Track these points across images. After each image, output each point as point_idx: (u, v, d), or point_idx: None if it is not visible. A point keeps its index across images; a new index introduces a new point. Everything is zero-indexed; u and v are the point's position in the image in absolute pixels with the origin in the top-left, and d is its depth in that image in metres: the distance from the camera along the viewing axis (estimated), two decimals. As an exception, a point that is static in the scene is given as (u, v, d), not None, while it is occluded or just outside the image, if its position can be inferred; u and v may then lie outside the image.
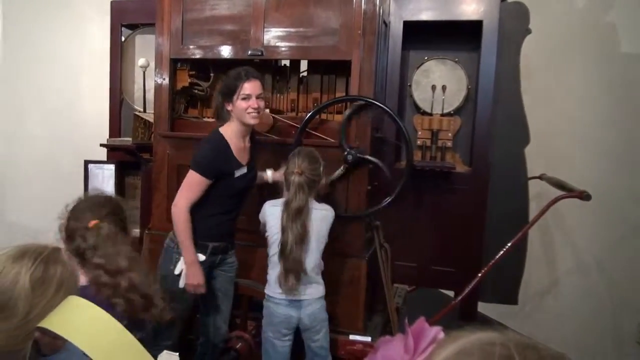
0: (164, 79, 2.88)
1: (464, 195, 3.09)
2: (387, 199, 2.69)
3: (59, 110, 4.32)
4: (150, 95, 3.20)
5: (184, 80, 2.96)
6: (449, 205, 3.12)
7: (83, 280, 1.55)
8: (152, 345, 2.32)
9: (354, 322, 2.70)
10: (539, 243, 3.67)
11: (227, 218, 2.47)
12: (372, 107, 2.66)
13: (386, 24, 3.00)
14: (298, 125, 2.69)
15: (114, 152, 3.53)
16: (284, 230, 2.31)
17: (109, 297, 1.55)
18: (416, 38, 3.14)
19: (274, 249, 2.38)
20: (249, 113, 2.35)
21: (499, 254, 2.83)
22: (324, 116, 2.80)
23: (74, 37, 4.35)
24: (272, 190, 2.60)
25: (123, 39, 3.63)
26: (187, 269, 2.37)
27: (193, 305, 2.55)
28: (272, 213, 2.40)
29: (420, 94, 3.23)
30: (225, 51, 2.78)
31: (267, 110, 2.91)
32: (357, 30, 2.58)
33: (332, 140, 2.69)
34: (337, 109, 2.82)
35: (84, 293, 1.17)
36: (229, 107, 2.39)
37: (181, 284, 2.40)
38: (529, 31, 3.52)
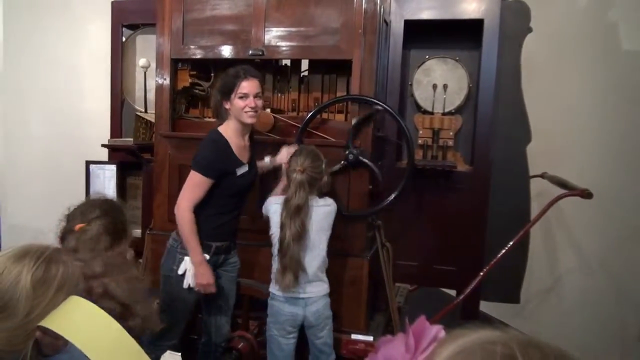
0: (164, 79, 2.88)
1: (465, 194, 3.09)
2: (388, 198, 2.69)
3: (60, 110, 4.32)
4: (152, 96, 3.19)
5: (185, 80, 2.96)
6: (451, 204, 3.12)
7: None
8: (155, 345, 2.34)
9: (356, 322, 2.70)
10: (541, 242, 3.66)
11: (230, 217, 2.47)
12: (382, 111, 2.66)
13: (387, 23, 3.00)
14: (299, 125, 2.69)
15: (116, 153, 3.53)
16: (282, 227, 2.32)
17: None
18: (417, 37, 3.14)
19: (276, 246, 2.38)
20: (246, 112, 2.35)
21: (501, 253, 2.83)
22: (324, 115, 2.80)
23: (75, 37, 4.35)
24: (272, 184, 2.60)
25: (124, 39, 3.63)
26: (195, 269, 2.37)
27: (195, 305, 2.55)
28: (275, 211, 2.40)
29: (422, 93, 3.22)
30: (226, 51, 2.78)
31: (268, 110, 2.91)
32: (357, 29, 2.58)
33: (333, 140, 2.69)
34: (338, 109, 2.82)
35: None
36: (227, 106, 2.39)
37: (185, 284, 2.40)
38: (530, 30, 3.51)
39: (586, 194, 2.74)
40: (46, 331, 1.09)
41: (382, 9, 2.76)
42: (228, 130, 2.41)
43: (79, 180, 3.51)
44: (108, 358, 0.97)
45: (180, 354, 1.95)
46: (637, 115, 3.18)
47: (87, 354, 0.95)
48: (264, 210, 2.49)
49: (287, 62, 3.01)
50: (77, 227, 1.68)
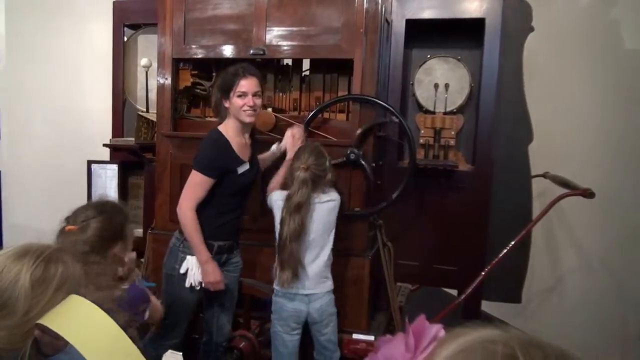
0: (166, 79, 2.88)
1: (467, 194, 3.08)
2: (390, 198, 2.69)
3: (62, 110, 4.33)
4: (153, 95, 3.20)
5: (187, 79, 2.96)
6: (452, 204, 3.11)
7: None
8: (157, 344, 2.34)
9: (357, 321, 2.70)
10: (543, 241, 3.66)
11: (232, 217, 2.47)
12: (384, 113, 2.66)
13: (388, 22, 3.00)
14: (300, 125, 2.69)
15: (117, 152, 3.53)
16: (282, 223, 2.33)
17: None
18: (418, 36, 3.13)
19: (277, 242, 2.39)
20: (244, 111, 2.34)
21: (503, 252, 2.82)
22: (326, 115, 2.80)
23: (77, 37, 4.35)
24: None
25: (125, 39, 3.64)
26: (202, 268, 2.37)
27: (197, 305, 2.56)
28: (278, 206, 2.40)
29: (423, 92, 3.22)
30: (228, 50, 2.78)
31: (270, 110, 2.91)
32: (359, 28, 2.58)
33: (334, 139, 2.69)
34: (340, 108, 2.82)
35: None
36: (227, 104, 2.39)
37: (187, 283, 2.40)
38: (532, 28, 3.50)
39: (588, 194, 2.73)
40: (45, 330, 1.09)
41: (383, 8, 2.76)
42: (228, 129, 2.41)
43: (81, 179, 3.51)
44: (104, 357, 0.97)
45: (181, 353, 1.95)
46: (639, 115, 3.17)
47: (83, 353, 0.95)
48: (268, 203, 2.49)
49: (289, 61, 3.01)
50: (67, 228, 1.68)
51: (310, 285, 2.38)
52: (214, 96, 2.48)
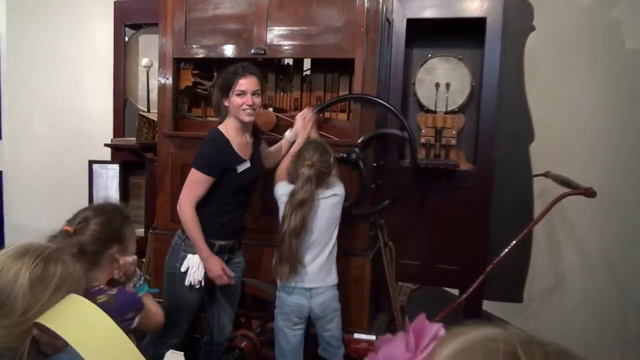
0: (167, 79, 2.89)
1: (468, 193, 3.08)
2: (391, 197, 2.69)
3: (63, 110, 4.33)
4: (154, 95, 3.20)
5: (188, 79, 2.97)
6: (453, 203, 3.11)
7: None
8: (158, 342, 2.34)
9: (358, 321, 2.70)
10: (544, 241, 3.65)
11: (234, 216, 2.47)
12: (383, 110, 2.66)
13: (389, 22, 2.99)
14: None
15: (118, 152, 3.53)
16: (284, 218, 2.33)
17: None
18: (419, 35, 3.13)
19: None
20: (243, 110, 2.34)
21: (504, 252, 2.82)
22: (327, 114, 2.80)
23: (78, 37, 4.35)
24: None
25: (126, 38, 3.64)
26: (204, 264, 2.38)
27: (198, 304, 2.56)
28: (283, 201, 2.40)
29: (424, 91, 3.22)
30: (229, 50, 2.78)
31: (271, 109, 2.91)
32: (360, 28, 2.58)
33: (336, 139, 2.69)
34: (341, 108, 2.82)
35: None
36: (226, 103, 2.39)
37: (186, 281, 2.41)
38: (533, 28, 3.50)
39: (590, 193, 2.73)
40: (44, 329, 1.09)
41: (384, 8, 2.76)
42: (228, 128, 2.41)
43: (82, 179, 3.51)
44: (100, 355, 0.97)
45: (182, 353, 1.95)
46: (639, 115, 3.17)
47: (81, 352, 0.95)
48: (274, 193, 2.48)
49: (290, 61, 3.01)
50: (64, 229, 1.68)
51: (311, 279, 2.38)
52: (215, 95, 2.49)
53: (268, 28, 2.70)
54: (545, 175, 3.29)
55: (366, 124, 2.67)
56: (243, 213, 2.54)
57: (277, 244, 2.36)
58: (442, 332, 0.77)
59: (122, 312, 1.60)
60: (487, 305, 3.33)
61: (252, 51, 2.72)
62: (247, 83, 2.33)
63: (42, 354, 1.17)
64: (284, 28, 2.69)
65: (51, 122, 4.33)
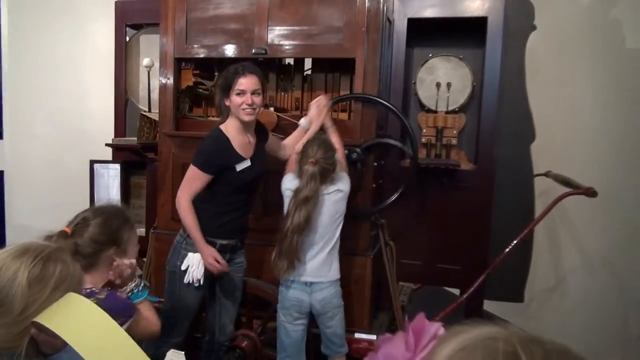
0: (168, 79, 2.89)
1: (469, 193, 3.08)
2: (392, 197, 2.69)
3: (64, 110, 4.34)
4: (155, 95, 3.20)
5: (189, 79, 2.97)
6: (454, 203, 3.11)
7: None
8: (159, 341, 2.34)
9: (359, 320, 2.71)
10: (545, 240, 3.65)
11: (236, 215, 2.47)
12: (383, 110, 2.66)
13: (390, 22, 2.99)
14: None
15: (120, 152, 3.53)
16: (287, 214, 2.32)
17: None
18: (420, 35, 3.13)
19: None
20: (243, 109, 2.34)
21: (505, 252, 2.82)
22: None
23: (79, 37, 4.36)
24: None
25: (127, 38, 3.64)
26: (200, 253, 2.38)
27: (199, 303, 2.56)
28: (288, 195, 2.40)
29: (425, 91, 3.21)
30: (229, 50, 2.79)
31: (272, 109, 2.91)
32: (361, 28, 2.58)
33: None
34: (342, 107, 2.82)
35: None
36: (227, 103, 2.39)
37: (185, 279, 2.41)
38: (534, 27, 3.50)
39: (591, 193, 2.73)
40: (42, 329, 1.09)
41: (385, 7, 2.76)
42: (229, 127, 2.41)
43: (83, 179, 3.51)
44: (99, 353, 0.97)
45: (183, 352, 1.95)
46: (641, 114, 3.17)
47: (79, 351, 0.95)
48: (281, 184, 2.48)
49: (291, 60, 3.01)
50: (63, 229, 1.68)
51: (311, 274, 2.38)
52: (217, 95, 2.49)
53: (269, 28, 2.70)
54: (546, 175, 3.29)
55: (367, 124, 2.67)
56: (245, 213, 2.53)
57: (279, 238, 2.35)
58: (442, 331, 0.77)
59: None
60: (488, 305, 3.33)
61: (253, 51, 2.72)
62: (246, 82, 2.33)
63: (41, 354, 1.17)
64: (285, 28, 2.69)
65: (52, 122, 4.34)
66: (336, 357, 2.49)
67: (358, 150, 2.60)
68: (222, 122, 2.45)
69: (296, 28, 2.68)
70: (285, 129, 2.78)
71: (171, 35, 2.85)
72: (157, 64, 3.05)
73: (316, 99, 2.60)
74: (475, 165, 3.10)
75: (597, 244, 3.39)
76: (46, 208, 3.75)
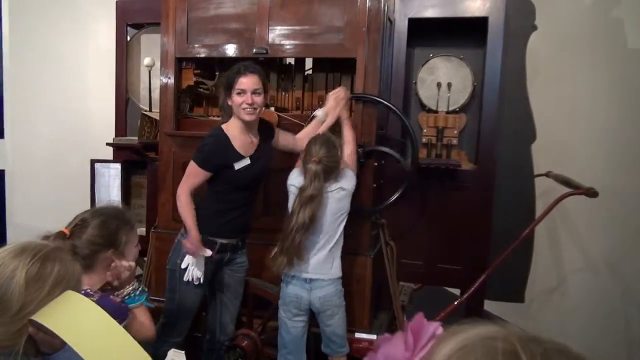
0: (169, 78, 2.89)
1: (469, 193, 3.08)
2: (392, 196, 2.69)
3: (65, 109, 4.34)
4: (156, 94, 3.20)
5: (189, 79, 2.97)
6: (455, 203, 3.11)
7: None
8: (160, 340, 2.35)
9: (359, 320, 2.70)
10: (546, 241, 3.65)
11: (236, 214, 2.47)
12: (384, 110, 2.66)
13: (391, 21, 2.99)
14: (303, 124, 2.71)
15: (120, 151, 3.53)
16: (292, 213, 2.32)
17: None
18: (421, 35, 3.13)
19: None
20: (243, 109, 2.34)
21: (506, 252, 2.82)
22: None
23: (80, 36, 4.36)
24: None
25: (128, 38, 3.64)
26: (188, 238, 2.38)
27: (200, 302, 2.56)
28: (292, 193, 2.40)
29: (426, 91, 3.21)
30: (230, 50, 2.79)
31: (272, 109, 2.91)
32: (361, 27, 2.58)
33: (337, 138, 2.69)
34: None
35: None
36: (229, 102, 2.39)
37: (185, 277, 2.41)
38: (535, 27, 3.50)
39: (591, 193, 2.72)
40: (40, 328, 1.09)
41: (386, 7, 2.76)
42: (231, 126, 2.42)
43: (84, 179, 3.52)
44: (97, 351, 0.97)
45: (184, 351, 1.95)
46: (642, 114, 3.17)
47: (77, 350, 0.95)
48: (287, 181, 2.48)
49: (291, 60, 3.01)
50: (62, 230, 1.68)
51: (311, 270, 2.38)
52: (220, 95, 2.50)
53: (270, 27, 2.71)
54: (547, 175, 3.29)
55: (367, 124, 2.67)
56: (246, 212, 2.52)
57: (282, 235, 2.35)
58: (440, 330, 0.77)
59: None
60: (489, 305, 3.33)
61: (254, 51, 2.72)
62: (247, 81, 2.33)
63: (40, 353, 1.18)
64: (286, 27, 2.69)
65: (53, 122, 4.34)
66: (337, 356, 2.49)
67: (359, 150, 2.60)
68: (224, 122, 2.46)
69: (297, 28, 2.68)
70: (286, 128, 2.78)
71: (172, 35, 2.85)
72: (158, 64, 3.06)
73: (335, 90, 2.58)
74: (476, 165, 3.11)
75: (598, 244, 3.39)
76: (47, 207, 3.76)
